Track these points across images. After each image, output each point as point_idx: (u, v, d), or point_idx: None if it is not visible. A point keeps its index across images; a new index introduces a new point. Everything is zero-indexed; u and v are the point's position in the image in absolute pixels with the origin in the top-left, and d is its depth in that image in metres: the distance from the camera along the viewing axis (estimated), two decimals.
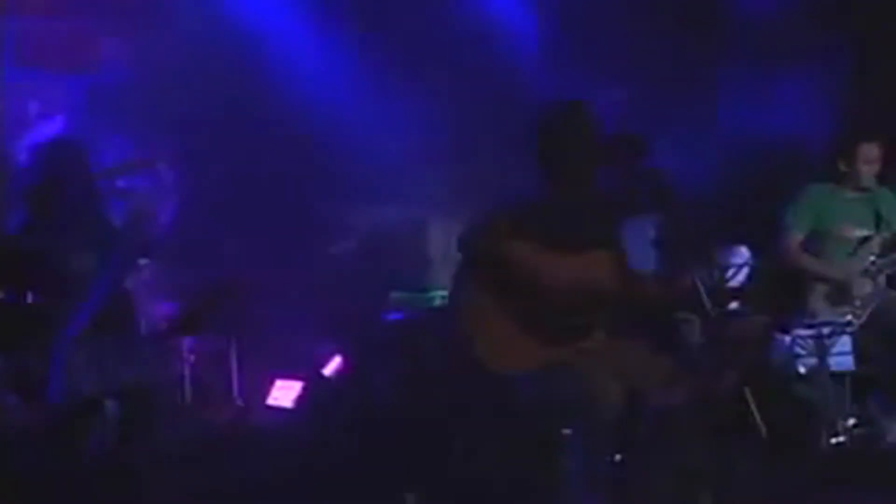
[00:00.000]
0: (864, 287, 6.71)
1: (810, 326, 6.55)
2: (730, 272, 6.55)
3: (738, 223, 6.90)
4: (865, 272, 6.74)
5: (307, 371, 8.24)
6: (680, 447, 5.32)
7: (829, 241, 6.85)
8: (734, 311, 6.62)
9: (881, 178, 6.92)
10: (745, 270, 6.62)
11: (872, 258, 6.75)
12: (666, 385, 5.06)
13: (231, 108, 8.29)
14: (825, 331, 6.49)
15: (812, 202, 6.89)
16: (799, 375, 6.60)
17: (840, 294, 6.70)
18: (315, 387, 8.18)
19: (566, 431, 5.04)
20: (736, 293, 6.53)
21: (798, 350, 6.55)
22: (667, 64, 8.33)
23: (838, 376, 6.55)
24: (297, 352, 8.24)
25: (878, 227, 6.85)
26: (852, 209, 6.90)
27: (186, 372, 7.82)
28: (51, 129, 7.98)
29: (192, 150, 8.18)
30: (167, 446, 6.24)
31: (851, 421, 6.52)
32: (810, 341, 6.51)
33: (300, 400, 8.15)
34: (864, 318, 6.64)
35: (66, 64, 8.24)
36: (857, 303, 6.67)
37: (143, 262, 6.65)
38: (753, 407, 6.42)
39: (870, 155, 6.80)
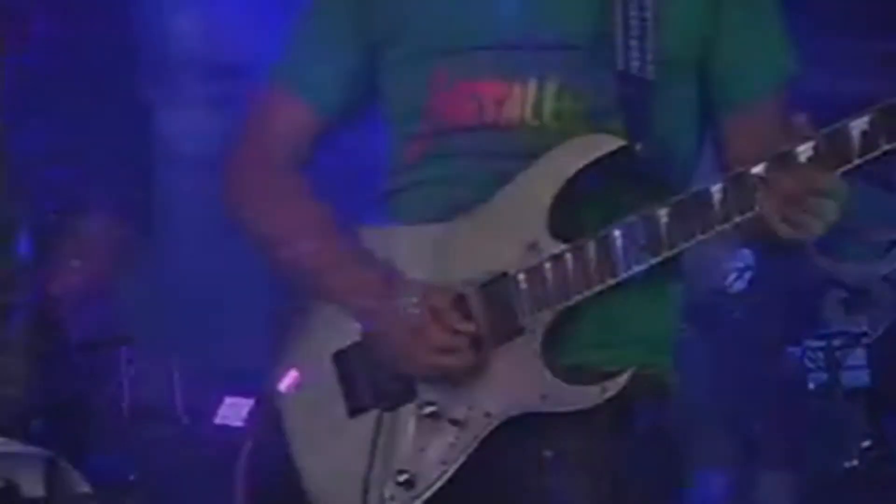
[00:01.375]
0: (885, 295, 6.55)
1: (822, 337, 6.44)
2: (730, 277, 6.42)
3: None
4: (886, 279, 6.56)
5: (259, 386, 7.83)
6: (673, 468, 4.89)
7: (850, 241, 6.49)
8: (735, 321, 6.47)
9: None
10: (747, 275, 6.43)
11: None
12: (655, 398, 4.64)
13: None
14: (837, 342, 6.39)
15: None
16: (809, 391, 6.45)
17: (856, 301, 6.56)
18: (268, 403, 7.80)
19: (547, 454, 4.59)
20: (737, 300, 6.19)
21: (808, 363, 6.43)
22: None
23: (852, 393, 6.39)
24: (248, 364, 7.82)
25: None
26: (878, 208, 6.64)
27: (125, 386, 7.50)
28: None
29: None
30: (102, 469, 5.87)
31: (866, 443, 6.30)
32: (821, 354, 6.40)
33: (251, 418, 7.73)
34: (881, 330, 6.48)
35: None
36: (876, 312, 6.52)
37: (74, 263, 6.27)
38: (758, 426, 6.33)
39: None
